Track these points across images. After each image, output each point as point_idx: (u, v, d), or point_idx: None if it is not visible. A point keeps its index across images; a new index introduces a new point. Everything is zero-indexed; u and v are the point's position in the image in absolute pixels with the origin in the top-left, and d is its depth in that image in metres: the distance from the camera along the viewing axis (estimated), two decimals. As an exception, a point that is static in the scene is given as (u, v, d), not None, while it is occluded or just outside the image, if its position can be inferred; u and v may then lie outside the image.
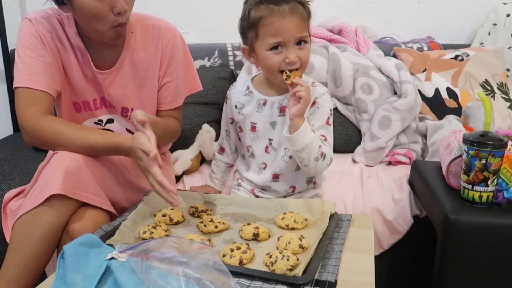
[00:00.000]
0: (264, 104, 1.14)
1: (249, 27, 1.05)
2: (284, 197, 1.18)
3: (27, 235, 0.98)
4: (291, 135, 1.03)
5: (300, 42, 1.04)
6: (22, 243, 0.98)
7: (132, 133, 1.31)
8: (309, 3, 1.06)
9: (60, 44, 1.17)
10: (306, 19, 1.05)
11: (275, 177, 1.17)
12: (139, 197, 1.17)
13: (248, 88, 1.17)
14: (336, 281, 0.79)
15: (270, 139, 1.16)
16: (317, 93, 1.10)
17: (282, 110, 1.13)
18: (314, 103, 1.10)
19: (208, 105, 1.78)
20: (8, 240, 1.11)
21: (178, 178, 1.53)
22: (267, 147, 1.16)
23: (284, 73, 1.01)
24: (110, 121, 1.29)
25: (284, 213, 1.01)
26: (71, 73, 1.20)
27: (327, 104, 1.11)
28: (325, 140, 1.11)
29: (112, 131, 1.29)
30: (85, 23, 1.10)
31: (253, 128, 1.16)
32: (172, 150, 1.57)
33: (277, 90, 1.13)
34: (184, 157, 1.56)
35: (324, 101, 1.11)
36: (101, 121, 1.28)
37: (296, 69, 1.03)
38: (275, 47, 1.03)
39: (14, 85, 1.13)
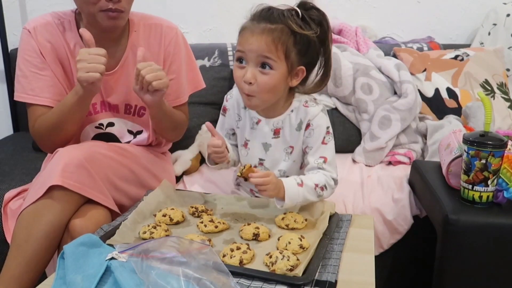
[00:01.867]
0: (257, 123, 1.10)
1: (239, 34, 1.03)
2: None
3: (28, 234, 0.99)
4: (283, 207, 1.01)
5: (264, 65, 0.98)
6: (23, 241, 0.99)
7: (134, 133, 1.32)
8: (307, 33, 0.98)
9: (60, 53, 1.20)
10: (286, 47, 0.97)
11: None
12: (141, 194, 1.17)
13: None
14: (336, 281, 0.79)
15: (260, 159, 1.12)
16: (310, 115, 1.05)
17: (276, 133, 1.09)
18: (308, 125, 1.06)
19: (208, 105, 1.78)
20: (8, 241, 1.11)
21: (178, 179, 1.53)
22: (256, 166, 1.12)
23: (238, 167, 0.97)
24: (110, 124, 1.29)
25: (284, 213, 1.01)
26: (73, 79, 1.22)
27: (322, 123, 1.06)
28: (325, 161, 1.05)
29: (114, 134, 1.30)
30: (79, 5, 1.13)
31: (246, 145, 1.14)
32: (172, 150, 1.57)
33: (271, 110, 1.08)
34: (184, 157, 1.56)
35: (318, 121, 1.06)
36: (102, 125, 1.28)
37: (249, 166, 0.96)
38: (239, 60, 1.00)
39: (17, 98, 1.19)
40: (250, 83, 0.98)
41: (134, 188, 1.20)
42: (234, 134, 1.19)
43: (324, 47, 1.04)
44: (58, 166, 1.01)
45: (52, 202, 1.00)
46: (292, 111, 1.08)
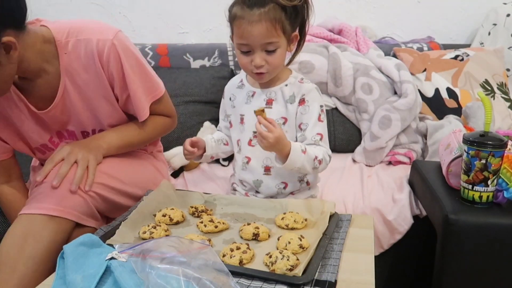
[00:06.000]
0: (253, 95, 1.15)
1: (229, 20, 1.06)
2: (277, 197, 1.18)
3: (21, 254, 0.96)
4: (283, 165, 1.04)
5: (269, 47, 1.03)
6: (17, 262, 0.95)
7: None
8: (293, 3, 1.01)
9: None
10: (282, 24, 1.02)
11: (267, 170, 1.16)
12: (141, 194, 1.17)
13: (241, 81, 1.19)
14: (336, 281, 0.79)
15: (254, 132, 1.14)
16: (305, 90, 1.10)
17: (268, 103, 1.13)
18: (303, 100, 1.10)
19: (208, 103, 1.79)
20: None
21: (178, 174, 1.53)
22: (250, 140, 1.16)
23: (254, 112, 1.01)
24: None
25: (284, 213, 1.01)
26: (21, 126, 1.16)
27: (317, 100, 1.11)
28: (321, 138, 1.10)
29: None
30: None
31: (242, 120, 1.17)
32: (173, 147, 1.57)
33: (267, 82, 1.12)
34: (184, 153, 1.56)
35: (313, 97, 1.11)
36: None
37: (262, 110, 1.01)
38: (243, 49, 1.05)
39: None
40: (261, 65, 1.04)
41: (133, 188, 1.20)
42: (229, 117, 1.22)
43: (308, 7, 1.08)
44: (50, 191, 1.00)
45: (46, 223, 0.98)
46: (286, 85, 1.12)
